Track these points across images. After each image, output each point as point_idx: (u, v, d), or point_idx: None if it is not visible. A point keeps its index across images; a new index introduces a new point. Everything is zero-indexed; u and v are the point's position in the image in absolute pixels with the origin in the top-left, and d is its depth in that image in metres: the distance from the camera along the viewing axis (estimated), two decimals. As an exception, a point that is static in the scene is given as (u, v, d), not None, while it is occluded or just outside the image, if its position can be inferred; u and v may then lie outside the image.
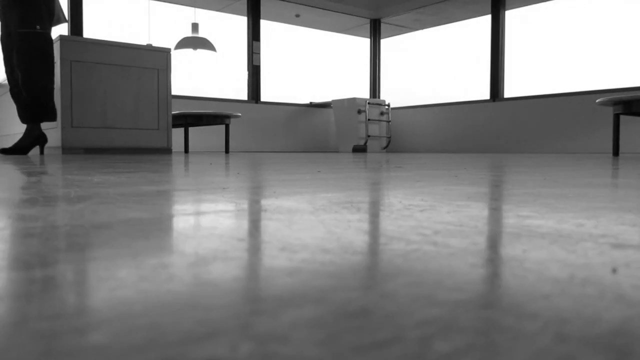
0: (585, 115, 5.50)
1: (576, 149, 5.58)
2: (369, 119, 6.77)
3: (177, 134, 6.13)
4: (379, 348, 0.18)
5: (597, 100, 3.79)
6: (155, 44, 5.79)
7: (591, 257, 0.33)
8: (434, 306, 0.22)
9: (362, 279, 0.27)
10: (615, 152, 3.64)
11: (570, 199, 0.70)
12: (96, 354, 0.17)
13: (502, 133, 6.22)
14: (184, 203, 0.63)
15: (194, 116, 4.73)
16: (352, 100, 6.79)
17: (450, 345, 0.18)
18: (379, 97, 7.83)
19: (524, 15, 6.16)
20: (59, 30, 7.19)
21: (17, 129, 4.61)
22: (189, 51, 5.95)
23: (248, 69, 6.69)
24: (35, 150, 4.32)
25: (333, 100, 7.10)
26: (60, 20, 3.66)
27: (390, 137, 7.05)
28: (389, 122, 7.06)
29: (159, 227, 0.44)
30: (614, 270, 0.29)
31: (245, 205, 0.61)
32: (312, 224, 0.46)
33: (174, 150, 6.04)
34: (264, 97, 6.82)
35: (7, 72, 3.51)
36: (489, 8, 6.36)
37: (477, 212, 0.55)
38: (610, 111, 5.33)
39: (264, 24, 6.83)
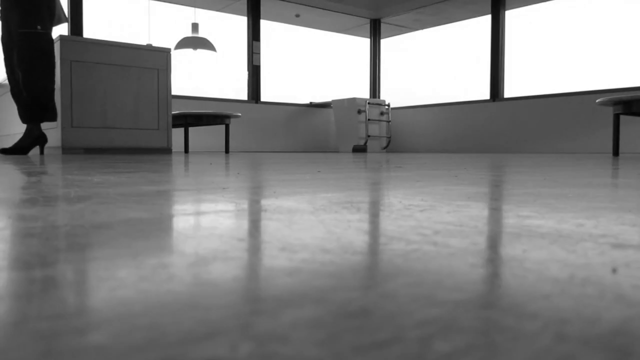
0: (585, 115, 5.50)
1: (576, 149, 5.58)
2: (369, 119, 6.77)
3: (177, 134, 6.13)
4: (379, 348, 0.18)
5: (597, 100, 3.79)
6: (155, 44, 5.79)
7: (591, 257, 0.33)
8: (434, 306, 0.22)
9: (362, 279, 0.27)
10: (615, 152, 3.64)
11: (570, 199, 0.70)
12: (96, 354, 0.17)
13: (502, 133, 6.22)
14: (184, 203, 0.63)
15: (194, 116, 4.73)
16: (352, 100, 6.79)
17: (450, 345, 0.18)
18: (379, 97, 7.82)
19: (524, 15, 6.16)
20: (59, 30, 7.18)
21: (17, 129, 4.61)
22: (189, 51, 5.96)
23: (248, 69, 6.69)
24: (35, 150, 4.32)
25: (333, 100, 7.10)
26: (61, 19, 3.66)
27: (390, 137, 7.05)
28: (389, 122, 7.06)
29: (159, 227, 0.44)
30: (614, 270, 0.29)
31: (245, 205, 0.61)
32: (312, 224, 0.46)
33: (174, 150, 6.03)
34: (264, 97, 6.82)
35: (7, 72, 3.51)
36: (489, 8, 6.36)
37: (477, 212, 0.55)
38: (610, 111, 5.33)
39: (264, 24, 6.83)
